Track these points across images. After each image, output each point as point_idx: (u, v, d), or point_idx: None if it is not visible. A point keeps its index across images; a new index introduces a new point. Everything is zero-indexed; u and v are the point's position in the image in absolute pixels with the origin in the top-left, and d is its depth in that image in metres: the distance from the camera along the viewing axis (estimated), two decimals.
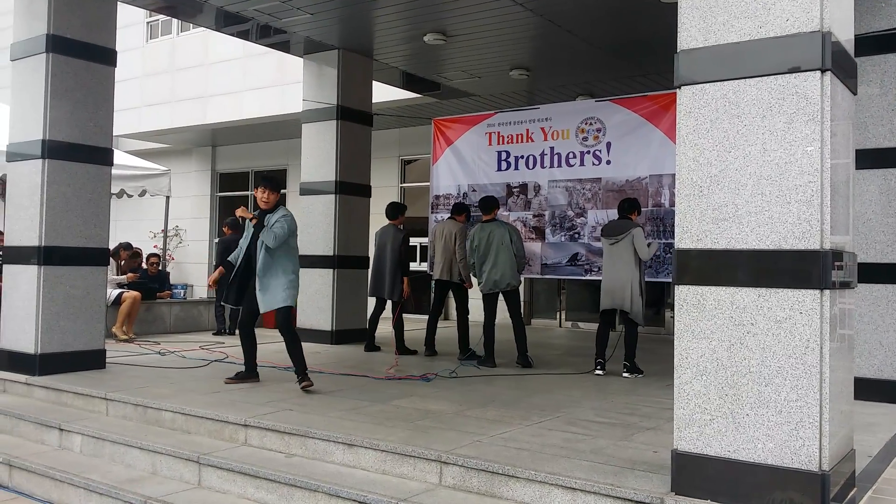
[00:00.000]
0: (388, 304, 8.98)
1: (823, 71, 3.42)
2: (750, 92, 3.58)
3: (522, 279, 7.97)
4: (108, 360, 7.50)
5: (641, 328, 7.43)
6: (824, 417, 3.32)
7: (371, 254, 9.41)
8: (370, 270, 9.09)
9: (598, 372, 7.39)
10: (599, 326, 7.56)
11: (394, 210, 9.08)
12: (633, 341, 7.33)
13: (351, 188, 10.14)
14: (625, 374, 7.27)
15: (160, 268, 11.70)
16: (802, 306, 3.37)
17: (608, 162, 8.45)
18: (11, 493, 5.30)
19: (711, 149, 3.66)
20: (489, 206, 8.05)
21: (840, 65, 3.58)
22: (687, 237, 3.70)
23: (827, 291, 3.34)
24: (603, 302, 7.41)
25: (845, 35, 3.77)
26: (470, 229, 8.25)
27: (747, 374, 3.48)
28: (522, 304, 12.63)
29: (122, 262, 10.95)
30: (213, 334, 10.80)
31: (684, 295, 3.68)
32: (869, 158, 6.32)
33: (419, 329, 12.15)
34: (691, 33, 3.76)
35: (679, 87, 3.79)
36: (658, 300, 12.56)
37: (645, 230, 7.95)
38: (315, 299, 10.02)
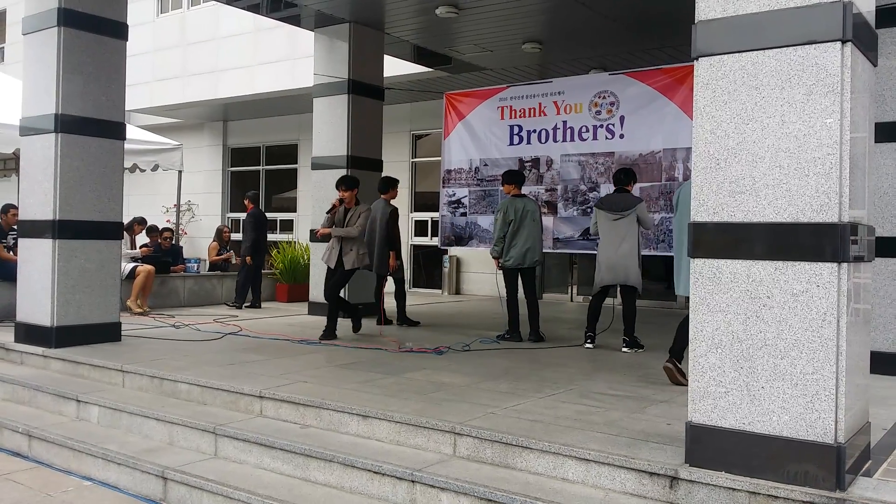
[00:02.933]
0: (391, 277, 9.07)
1: (844, 42, 3.38)
2: (769, 63, 3.53)
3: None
4: (123, 332, 7.57)
5: (639, 301, 7.38)
6: (840, 390, 3.31)
7: None
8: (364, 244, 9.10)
9: (587, 345, 7.36)
10: (593, 301, 7.41)
11: (384, 184, 9.07)
12: (631, 315, 7.23)
13: (362, 163, 10.12)
14: (624, 350, 7.19)
15: (173, 242, 11.75)
16: (819, 279, 3.35)
17: (622, 136, 8.41)
18: (31, 463, 5.39)
19: (729, 121, 3.62)
20: (522, 180, 8.00)
21: (861, 36, 3.53)
22: (703, 210, 3.68)
23: (845, 265, 3.33)
24: (604, 278, 7.19)
25: (866, 6, 3.71)
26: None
27: (763, 347, 3.48)
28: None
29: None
30: (231, 305, 10.90)
31: (700, 268, 3.67)
32: (886, 132, 6.25)
33: (428, 303, 12.21)
34: (709, 4, 3.71)
35: (696, 59, 3.75)
36: (669, 275, 12.53)
37: (658, 204, 7.94)
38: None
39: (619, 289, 7.27)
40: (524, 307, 7.87)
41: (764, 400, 3.47)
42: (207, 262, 12.70)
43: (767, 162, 3.51)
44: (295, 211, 17.18)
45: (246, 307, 10.88)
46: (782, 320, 3.43)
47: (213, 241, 12.87)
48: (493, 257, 7.94)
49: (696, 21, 3.74)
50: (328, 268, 8.16)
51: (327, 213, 8.14)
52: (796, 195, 3.43)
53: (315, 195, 10.37)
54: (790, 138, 3.46)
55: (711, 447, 3.58)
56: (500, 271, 7.92)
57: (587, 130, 8.73)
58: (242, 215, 15.22)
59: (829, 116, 3.37)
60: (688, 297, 4.70)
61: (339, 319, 8.00)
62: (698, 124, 3.72)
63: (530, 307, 7.85)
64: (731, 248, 3.60)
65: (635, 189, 8.08)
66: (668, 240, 7.95)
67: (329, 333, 7.82)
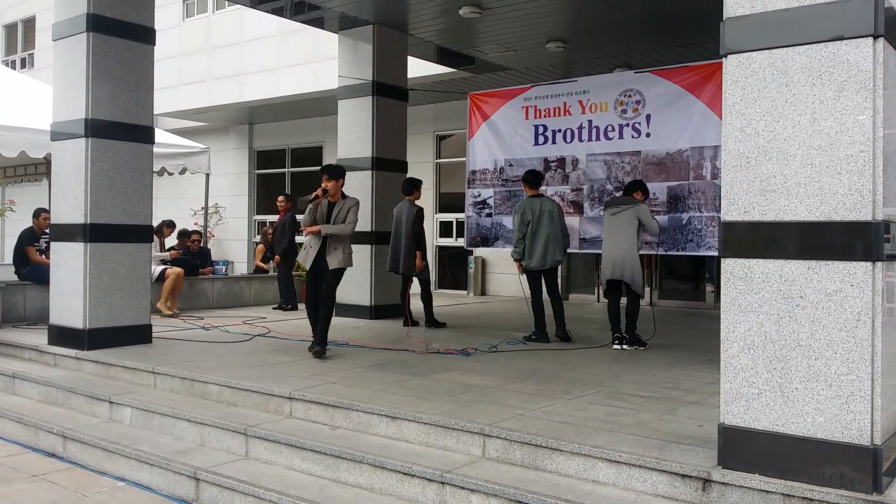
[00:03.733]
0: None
1: (876, 37, 3.33)
2: (799, 60, 3.49)
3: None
4: (154, 334, 7.66)
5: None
6: (876, 391, 3.27)
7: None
8: (390, 246, 9.13)
9: (615, 346, 7.36)
10: (609, 300, 7.51)
11: (409, 185, 9.10)
12: (634, 313, 7.34)
13: (387, 164, 10.16)
14: (623, 346, 7.31)
15: (202, 244, 11.85)
16: (854, 279, 3.31)
17: (648, 134, 8.32)
18: (66, 464, 5.46)
19: (759, 118, 3.59)
20: (538, 180, 8.03)
21: (893, 31, 3.48)
22: (734, 209, 3.64)
23: (879, 264, 3.28)
24: (604, 273, 7.41)
25: None
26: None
27: (796, 347, 3.44)
28: (560, 278, 12.64)
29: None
30: (285, 309, 10.95)
31: (731, 268, 3.64)
32: None
33: (454, 304, 12.21)
34: (738, 0, 3.68)
35: (725, 56, 3.71)
36: (698, 275, 12.44)
37: (686, 203, 7.88)
38: (354, 275, 10.06)
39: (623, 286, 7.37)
40: (548, 307, 7.86)
41: (798, 401, 3.43)
42: (254, 264, 12.93)
43: (799, 160, 3.47)
44: None
45: (273, 308, 10.95)
46: (816, 320, 3.39)
47: (260, 242, 13.03)
48: (515, 259, 7.92)
49: (724, 17, 3.71)
50: (307, 273, 7.05)
51: (310, 202, 6.90)
52: (829, 193, 3.39)
53: None
54: (822, 136, 3.42)
55: (744, 449, 3.55)
56: (522, 274, 7.94)
57: (613, 129, 8.66)
58: (269, 217, 15.34)
59: (862, 113, 3.33)
60: None
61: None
62: (728, 122, 3.68)
63: (554, 306, 7.86)
64: (762, 248, 3.56)
65: (661, 188, 8.05)
66: (697, 239, 7.86)
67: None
